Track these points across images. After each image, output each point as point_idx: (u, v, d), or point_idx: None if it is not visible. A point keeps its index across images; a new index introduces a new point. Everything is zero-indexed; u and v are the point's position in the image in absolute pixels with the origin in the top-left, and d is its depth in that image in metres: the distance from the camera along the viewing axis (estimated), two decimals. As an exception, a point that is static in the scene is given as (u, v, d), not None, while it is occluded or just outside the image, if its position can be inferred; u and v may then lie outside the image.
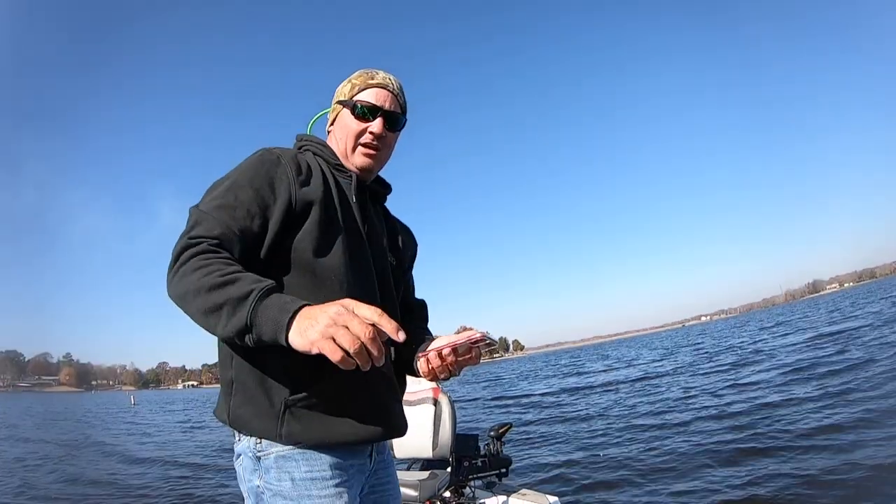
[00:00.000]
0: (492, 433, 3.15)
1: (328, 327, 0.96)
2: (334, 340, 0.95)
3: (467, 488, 3.14)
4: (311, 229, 1.29)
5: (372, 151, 1.47)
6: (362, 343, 0.95)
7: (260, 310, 1.03)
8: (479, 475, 3.10)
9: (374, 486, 1.46)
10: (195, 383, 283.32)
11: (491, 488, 3.23)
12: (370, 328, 0.96)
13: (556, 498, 3.17)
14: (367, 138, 1.45)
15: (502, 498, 3.19)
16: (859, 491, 4.45)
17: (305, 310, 1.01)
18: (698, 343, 35.86)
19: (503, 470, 3.16)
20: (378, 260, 1.46)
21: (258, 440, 1.27)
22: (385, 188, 1.63)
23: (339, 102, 1.49)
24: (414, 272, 1.74)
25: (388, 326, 0.98)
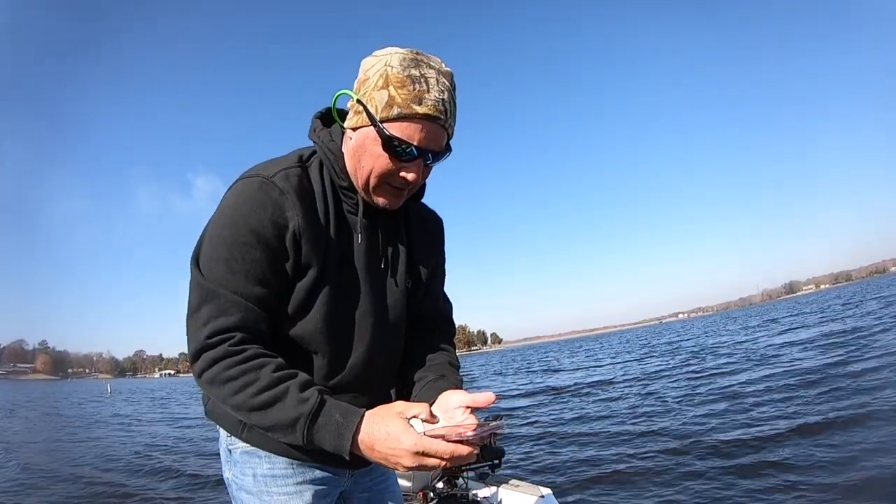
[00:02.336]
0: (503, 430, 3.12)
1: (409, 468, 0.99)
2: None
3: (460, 479, 3.13)
4: (296, 293, 1.17)
5: (400, 193, 1.20)
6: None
7: (314, 434, 1.03)
8: (472, 466, 3.07)
9: (370, 486, 1.46)
10: (172, 372, 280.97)
11: (483, 479, 3.20)
12: (444, 463, 0.97)
13: (548, 489, 3.16)
14: (397, 181, 1.16)
15: (495, 489, 3.19)
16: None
17: (366, 440, 1.01)
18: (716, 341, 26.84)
19: (496, 461, 3.12)
20: (378, 301, 1.28)
21: (228, 434, 1.30)
22: (411, 199, 1.31)
23: (369, 115, 1.09)
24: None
25: (463, 458, 0.97)
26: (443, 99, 1.08)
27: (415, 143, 1.09)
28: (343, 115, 1.21)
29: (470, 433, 0.97)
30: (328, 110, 1.26)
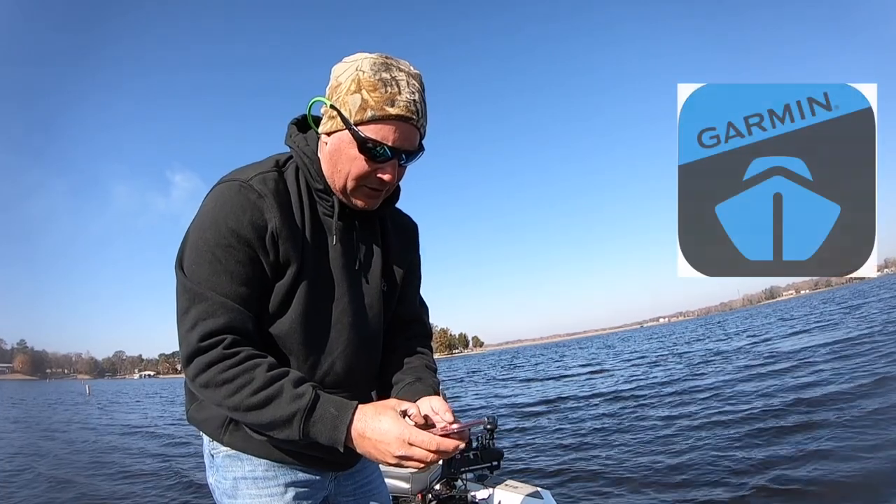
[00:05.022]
0: (487, 426, 3.09)
1: (395, 464, 1.04)
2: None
3: (459, 481, 3.08)
4: (275, 292, 1.20)
5: (377, 194, 1.23)
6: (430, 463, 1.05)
7: (310, 428, 1.08)
8: (471, 468, 3.02)
9: (354, 490, 1.47)
10: (152, 373, 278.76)
11: (482, 481, 3.18)
12: (432, 456, 1.02)
13: (546, 490, 3.14)
14: (374, 182, 1.19)
15: (493, 490, 3.15)
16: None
17: (358, 428, 1.07)
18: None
19: (495, 463, 3.08)
20: (356, 302, 1.31)
21: (211, 439, 1.32)
22: (385, 203, 1.34)
23: (343, 119, 1.13)
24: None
25: (450, 450, 1.04)
26: (414, 100, 1.13)
27: (389, 144, 1.13)
28: (318, 121, 1.26)
29: (455, 426, 1.05)
30: (304, 117, 1.30)
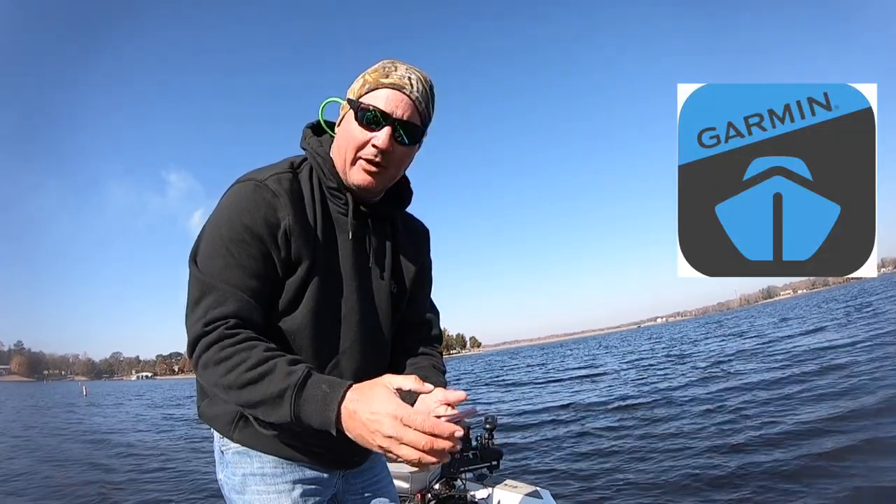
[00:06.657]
0: (487, 426, 3.09)
1: (386, 447, 0.98)
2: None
3: (458, 480, 3.08)
4: (287, 289, 1.24)
5: (373, 168, 1.24)
6: (422, 454, 0.96)
7: (301, 405, 1.05)
8: (470, 467, 3.03)
9: (363, 489, 1.49)
10: (149, 374, 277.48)
11: (482, 481, 3.18)
12: (427, 440, 0.96)
13: (546, 490, 3.16)
14: (368, 152, 1.22)
15: (493, 490, 3.18)
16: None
17: (349, 407, 1.02)
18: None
19: (494, 462, 3.09)
20: (365, 300, 1.33)
21: (221, 436, 1.35)
22: (397, 205, 1.41)
23: (348, 101, 1.24)
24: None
25: (445, 434, 0.97)
26: (409, 77, 1.20)
27: (380, 108, 1.18)
28: (331, 125, 1.34)
29: (444, 417, 1.01)
30: (319, 122, 1.36)
